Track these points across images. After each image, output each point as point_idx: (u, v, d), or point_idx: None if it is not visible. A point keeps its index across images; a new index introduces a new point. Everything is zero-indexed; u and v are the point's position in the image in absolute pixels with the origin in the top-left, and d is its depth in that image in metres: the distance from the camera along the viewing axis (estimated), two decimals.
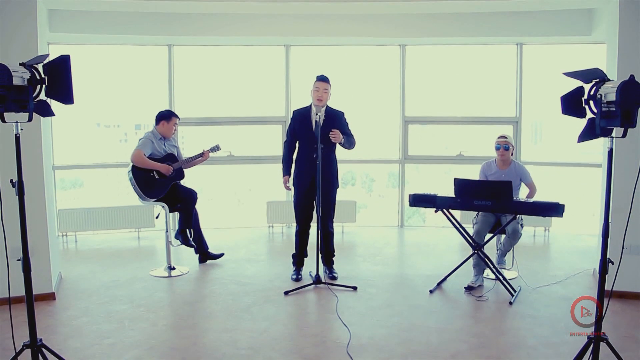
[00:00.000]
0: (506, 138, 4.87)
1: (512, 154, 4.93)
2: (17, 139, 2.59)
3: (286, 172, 5.03)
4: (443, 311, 4.26)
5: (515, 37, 6.47)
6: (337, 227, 6.57)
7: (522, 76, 6.79)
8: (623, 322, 3.98)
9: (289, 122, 5.11)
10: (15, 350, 2.79)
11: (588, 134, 2.69)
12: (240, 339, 3.71)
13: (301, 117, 4.92)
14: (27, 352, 2.82)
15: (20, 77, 2.49)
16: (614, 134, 2.64)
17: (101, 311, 4.23)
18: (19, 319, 3.37)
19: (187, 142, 7.24)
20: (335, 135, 4.75)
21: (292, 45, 6.91)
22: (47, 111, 2.71)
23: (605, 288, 2.86)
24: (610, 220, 2.73)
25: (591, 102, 2.61)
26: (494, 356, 3.48)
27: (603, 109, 2.54)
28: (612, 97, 2.47)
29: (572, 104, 2.68)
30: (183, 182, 5.41)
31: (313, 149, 4.67)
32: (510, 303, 4.33)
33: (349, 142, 4.94)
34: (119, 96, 7.17)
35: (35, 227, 4.20)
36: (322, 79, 4.81)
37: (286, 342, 3.70)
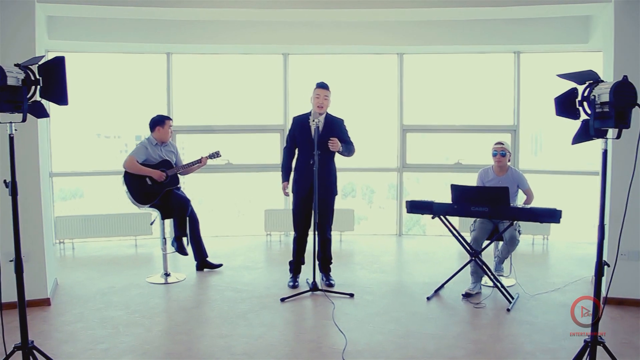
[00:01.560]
0: (503, 144, 4.87)
1: (509, 161, 4.93)
2: (11, 139, 2.58)
3: (285, 178, 5.02)
4: (440, 318, 4.23)
5: (512, 45, 6.50)
6: (335, 236, 6.55)
7: (520, 84, 6.81)
8: (621, 329, 3.95)
9: (289, 129, 5.11)
10: (6, 353, 2.76)
11: (582, 136, 2.68)
12: (235, 345, 3.69)
13: (301, 124, 4.91)
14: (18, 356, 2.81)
15: (14, 77, 2.50)
16: (609, 135, 2.63)
17: (96, 317, 4.21)
18: (13, 325, 3.34)
19: (187, 150, 7.22)
20: (334, 143, 4.74)
21: (290, 53, 6.94)
22: (41, 112, 2.71)
23: (602, 291, 2.81)
24: (605, 222, 2.71)
25: (585, 104, 2.61)
26: None
27: (597, 110, 2.54)
28: (605, 97, 2.48)
29: (566, 105, 2.68)
30: (183, 189, 5.40)
31: (312, 155, 4.66)
32: (508, 310, 4.30)
33: (348, 150, 4.93)
34: (119, 106, 7.18)
35: (30, 233, 4.23)
36: (322, 85, 4.82)
37: (282, 348, 3.67)
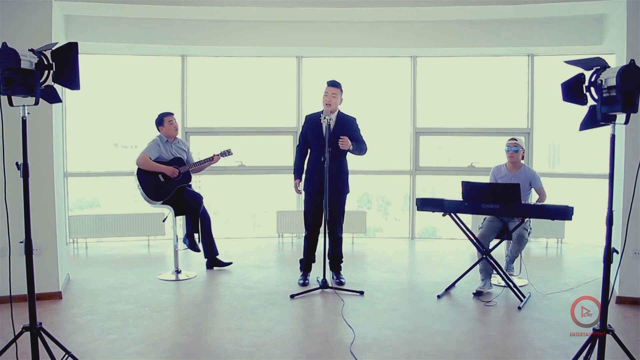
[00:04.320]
0: (516, 140, 4.84)
1: (522, 158, 4.90)
2: (24, 122, 2.64)
3: (297, 176, 5.04)
4: (450, 315, 4.20)
5: (526, 48, 6.47)
6: (347, 238, 6.57)
7: (534, 87, 6.78)
8: (634, 327, 3.88)
9: (301, 128, 5.15)
10: (15, 334, 2.80)
11: (590, 122, 2.66)
12: (243, 338, 3.70)
13: (313, 122, 4.94)
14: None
15: (28, 61, 2.56)
16: (617, 121, 2.61)
17: (106, 310, 4.25)
18: (24, 316, 3.34)
19: (201, 153, 7.26)
20: (344, 142, 4.75)
21: (304, 56, 6.99)
22: (54, 97, 2.77)
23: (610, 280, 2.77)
24: (614, 209, 2.67)
25: (592, 89, 2.60)
26: (500, 356, 3.42)
27: (604, 95, 2.53)
28: (612, 82, 2.46)
29: (572, 90, 2.67)
30: (198, 190, 5.45)
31: (323, 153, 4.68)
32: (519, 308, 4.26)
33: (359, 149, 4.93)
34: (135, 114, 7.21)
35: (43, 227, 4.32)
36: (331, 83, 4.85)
37: (289, 341, 3.67)
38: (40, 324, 2.80)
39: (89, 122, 7.18)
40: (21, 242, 2.71)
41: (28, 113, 2.67)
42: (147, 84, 7.14)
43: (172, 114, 5.38)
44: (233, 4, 5.12)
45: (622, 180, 4.25)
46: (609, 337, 2.79)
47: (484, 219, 4.82)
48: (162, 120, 5.30)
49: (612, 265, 2.72)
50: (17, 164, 2.65)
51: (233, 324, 3.98)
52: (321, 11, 5.31)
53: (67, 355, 2.98)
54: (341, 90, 4.88)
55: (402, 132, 7.21)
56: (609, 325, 2.72)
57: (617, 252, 2.66)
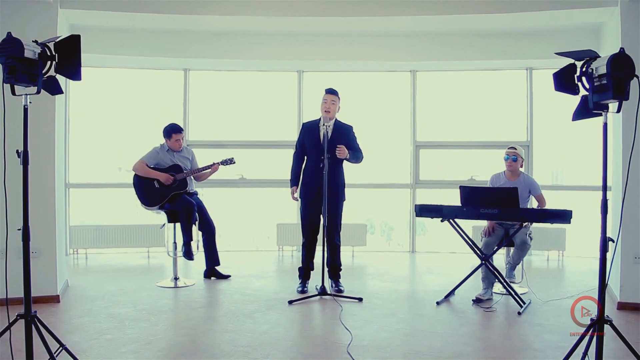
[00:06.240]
0: (515, 149, 4.85)
1: (521, 166, 4.92)
2: (25, 110, 2.69)
3: (294, 182, 5.07)
4: (449, 319, 4.17)
5: (524, 61, 6.54)
6: (347, 251, 6.55)
7: (533, 100, 6.84)
8: (636, 331, 3.83)
9: (299, 135, 5.19)
10: (9, 321, 2.79)
11: (582, 112, 2.69)
12: (240, 339, 3.68)
13: (310, 129, 5.00)
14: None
15: (31, 50, 2.62)
16: (610, 109, 2.64)
17: (103, 313, 4.25)
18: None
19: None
20: (341, 151, 4.79)
21: (305, 71, 7.08)
22: (55, 88, 2.83)
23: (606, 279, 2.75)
24: (608, 198, 2.68)
25: (583, 79, 2.64)
26: (499, 357, 3.38)
27: (595, 84, 2.56)
28: (603, 70, 2.50)
29: (564, 80, 2.71)
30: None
31: (320, 159, 4.72)
32: (519, 313, 4.22)
33: (356, 157, 4.97)
34: (139, 136, 7.19)
35: (43, 230, 4.35)
36: (329, 91, 4.92)
37: (286, 342, 3.66)
38: (35, 312, 2.79)
39: (93, 143, 7.18)
40: (19, 230, 2.72)
41: (30, 102, 2.72)
42: (150, 98, 7.21)
43: (181, 132, 5.44)
44: (235, 13, 5.23)
45: (620, 175, 4.27)
46: (607, 337, 2.77)
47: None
48: (170, 134, 5.36)
49: (609, 261, 2.72)
50: (17, 151, 2.69)
51: (230, 326, 3.96)
52: (321, 21, 5.43)
53: (61, 349, 2.96)
54: (339, 98, 4.95)
55: (403, 146, 7.24)
56: (607, 315, 2.70)
57: (613, 241, 2.66)
